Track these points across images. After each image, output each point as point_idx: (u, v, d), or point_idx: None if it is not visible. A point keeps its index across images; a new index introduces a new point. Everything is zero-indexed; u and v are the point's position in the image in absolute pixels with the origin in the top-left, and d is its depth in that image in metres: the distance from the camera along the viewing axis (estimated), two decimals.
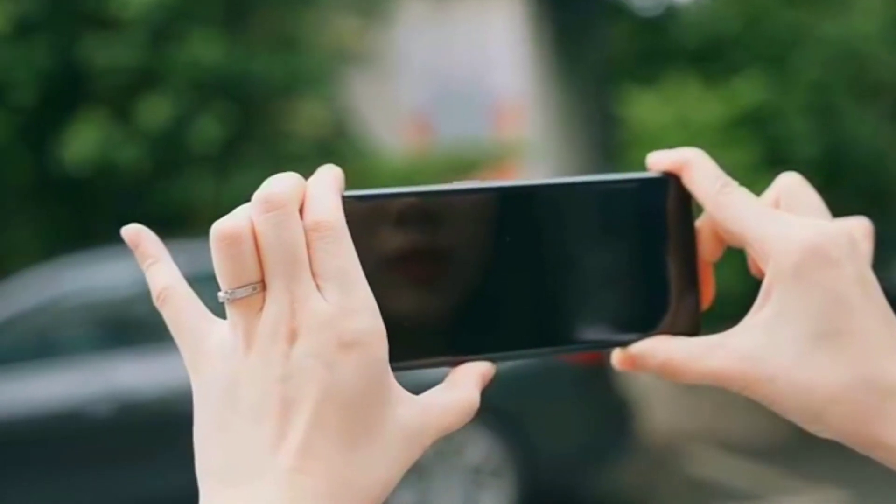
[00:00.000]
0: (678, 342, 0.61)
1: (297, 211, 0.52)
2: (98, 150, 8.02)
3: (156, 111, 8.14)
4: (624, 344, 0.63)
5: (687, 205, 0.64)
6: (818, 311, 0.57)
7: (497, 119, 13.69)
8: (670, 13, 11.11)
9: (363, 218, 0.57)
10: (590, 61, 9.17)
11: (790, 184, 0.63)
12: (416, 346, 0.59)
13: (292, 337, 0.51)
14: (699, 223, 0.64)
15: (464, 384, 0.58)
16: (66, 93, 8.44)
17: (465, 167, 11.32)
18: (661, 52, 10.52)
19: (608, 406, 5.18)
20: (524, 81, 9.91)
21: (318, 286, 0.52)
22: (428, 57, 13.80)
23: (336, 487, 0.51)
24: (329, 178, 0.56)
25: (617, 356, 0.63)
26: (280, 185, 0.53)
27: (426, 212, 0.59)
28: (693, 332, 0.63)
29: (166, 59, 8.30)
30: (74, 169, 8.10)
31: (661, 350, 0.61)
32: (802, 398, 0.57)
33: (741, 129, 8.90)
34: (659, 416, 5.46)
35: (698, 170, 0.63)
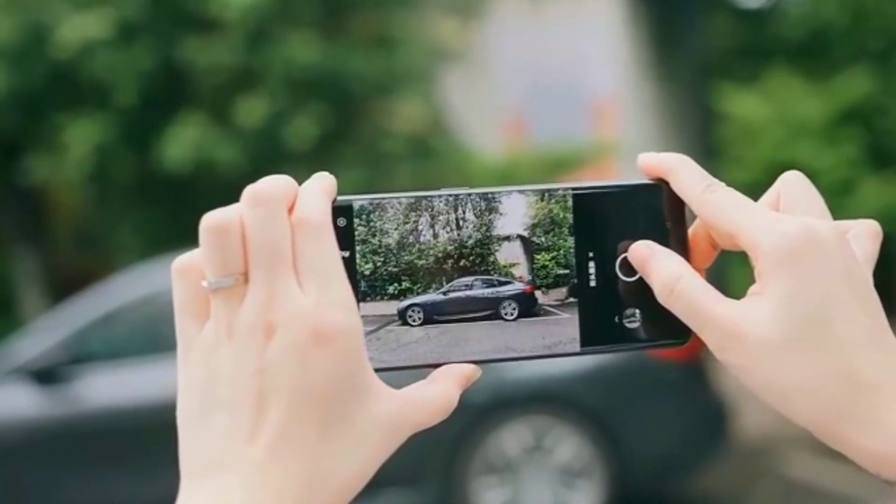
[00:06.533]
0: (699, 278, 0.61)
1: (284, 209, 0.54)
2: (197, 150, 8.18)
3: (253, 111, 8.27)
4: (618, 350, 0.64)
5: (679, 211, 0.63)
6: (802, 297, 0.57)
7: (594, 118, 13.59)
8: (772, 6, 10.90)
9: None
10: (688, 58, 9.05)
11: (792, 182, 0.62)
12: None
13: (270, 330, 0.53)
14: (692, 230, 0.64)
15: (444, 382, 0.59)
16: (167, 94, 8.63)
17: (560, 166, 11.26)
18: (761, 47, 10.34)
19: (702, 406, 5.10)
20: (621, 79, 9.83)
21: (299, 282, 0.53)
22: (523, 55, 13.75)
23: (308, 479, 0.52)
24: (321, 182, 0.58)
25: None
26: (270, 183, 0.55)
27: (421, 214, 0.61)
28: (685, 337, 0.63)
29: (264, 59, 8.42)
30: (174, 168, 8.27)
31: (689, 274, 0.61)
32: (778, 380, 0.57)
33: (845, 126, 8.69)
34: (754, 416, 5.36)
35: (683, 173, 0.62)
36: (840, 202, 7.66)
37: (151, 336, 5.11)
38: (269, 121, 8.30)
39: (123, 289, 5.36)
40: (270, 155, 8.38)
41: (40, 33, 8.34)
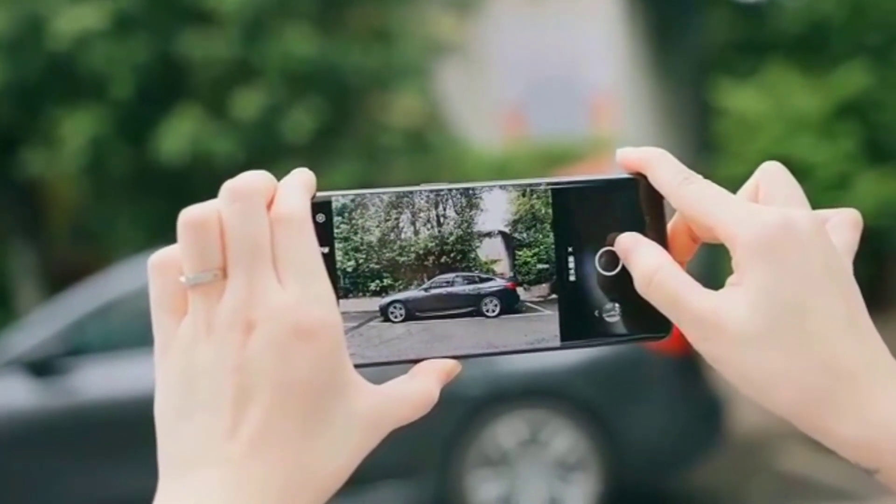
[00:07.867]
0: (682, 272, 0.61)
1: (263, 204, 0.53)
2: (193, 143, 8.17)
3: (249, 104, 8.26)
4: (599, 344, 0.64)
5: (658, 205, 0.64)
6: (779, 287, 0.57)
7: (592, 112, 13.59)
8: (769, 0, 10.90)
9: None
10: (686, 52, 9.05)
11: (771, 173, 0.62)
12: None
13: (249, 326, 0.52)
14: (671, 224, 0.64)
15: (424, 377, 0.59)
16: (163, 86, 8.62)
17: (558, 160, 11.27)
18: (759, 41, 10.33)
19: (698, 400, 5.11)
20: (618, 74, 9.83)
21: (278, 277, 0.53)
22: (521, 49, 13.75)
23: (289, 475, 0.52)
24: (300, 178, 0.57)
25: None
26: (249, 179, 0.54)
27: (402, 211, 0.61)
28: (665, 330, 0.63)
29: (260, 52, 8.42)
30: (171, 161, 8.27)
31: (669, 265, 0.61)
32: (756, 371, 0.57)
33: (843, 121, 8.69)
34: (750, 410, 5.36)
35: (660, 167, 0.62)
36: (837, 196, 7.66)
37: (147, 328, 5.04)
38: (266, 114, 8.29)
39: (119, 281, 5.35)
40: (267, 148, 8.38)
41: (36, 25, 8.32)
